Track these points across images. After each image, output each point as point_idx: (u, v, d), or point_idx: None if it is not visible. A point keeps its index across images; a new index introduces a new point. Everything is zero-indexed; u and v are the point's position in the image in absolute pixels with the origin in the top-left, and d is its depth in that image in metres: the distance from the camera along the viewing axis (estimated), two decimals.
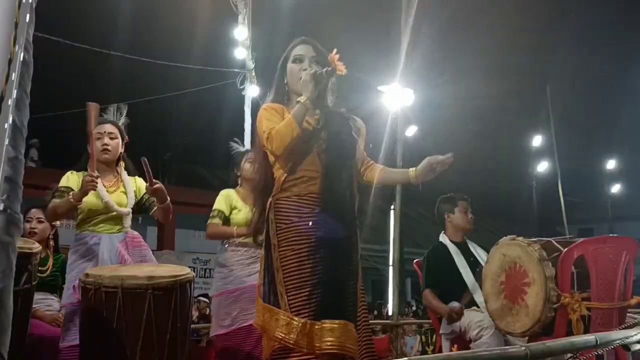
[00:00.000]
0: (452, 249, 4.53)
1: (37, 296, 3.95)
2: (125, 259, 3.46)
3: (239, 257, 4.12)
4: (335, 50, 2.82)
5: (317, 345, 2.51)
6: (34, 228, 4.19)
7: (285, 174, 2.74)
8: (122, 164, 3.71)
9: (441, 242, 4.63)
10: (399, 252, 7.47)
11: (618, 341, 2.56)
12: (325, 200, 2.69)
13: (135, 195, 3.70)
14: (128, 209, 3.62)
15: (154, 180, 3.40)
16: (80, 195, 3.35)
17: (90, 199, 3.46)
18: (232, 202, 4.20)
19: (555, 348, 2.16)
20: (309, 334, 2.52)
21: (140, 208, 3.72)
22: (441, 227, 4.72)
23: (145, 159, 3.36)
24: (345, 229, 2.72)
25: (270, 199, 2.77)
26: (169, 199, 3.58)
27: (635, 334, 2.68)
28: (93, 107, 3.39)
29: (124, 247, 3.51)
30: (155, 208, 3.69)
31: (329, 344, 2.48)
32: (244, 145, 4.69)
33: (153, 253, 3.84)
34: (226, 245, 4.20)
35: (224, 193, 4.26)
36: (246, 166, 4.26)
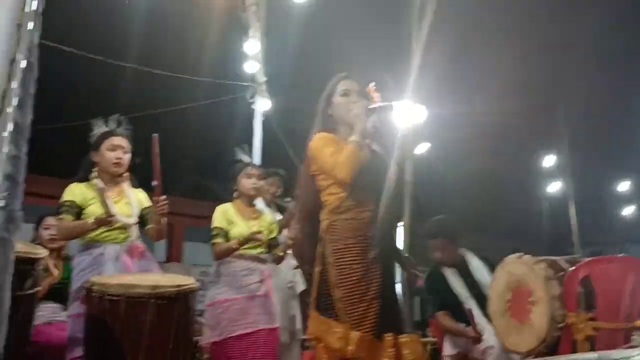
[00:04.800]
0: (447, 271, 4.46)
1: (44, 305, 4.00)
2: (129, 269, 3.48)
3: (233, 269, 4.13)
4: (372, 83, 3.11)
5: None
6: (53, 235, 4.22)
7: (341, 200, 2.98)
8: (126, 175, 3.74)
9: (437, 264, 4.57)
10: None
11: None
12: (376, 225, 2.95)
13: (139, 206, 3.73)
14: (134, 219, 3.65)
15: (161, 199, 3.49)
16: (98, 225, 3.41)
17: (96, 210, 3.50)
18: (229, 217, 4.19)
19: None
20: (369, 347, 2.77)
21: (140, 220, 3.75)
22: None
23: (157, 136, 3.41)
24: (390, 251, 3.05)
25: (326, 222, 2.99)
26: (165, 221, 3.62)
27: (638, 354, 2.65)
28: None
29: (129, 258, 3.52)
30: (150, 226, 3.71)
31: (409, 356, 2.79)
32: (249, 154, 4.66)
33: (161, 265, 3.89)
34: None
35: (221, 209, 4.25)
36: (243, 181, 4.28)
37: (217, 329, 4.04)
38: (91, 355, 3.01)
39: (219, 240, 4.13)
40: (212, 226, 4.21)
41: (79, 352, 3.26)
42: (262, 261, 4.25)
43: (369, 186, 2.99)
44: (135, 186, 3.80)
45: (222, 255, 4.17)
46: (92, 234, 3.52)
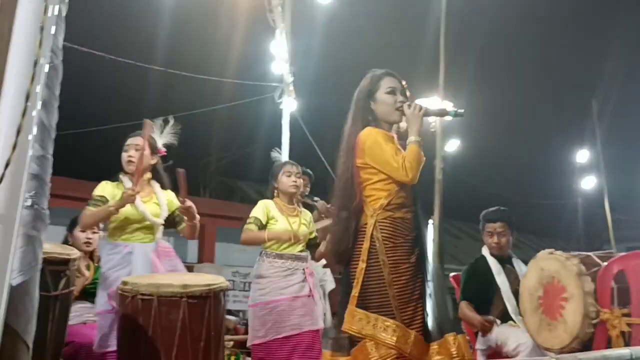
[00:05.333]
0: (493, 263, 4.45)
1: (78, 305, 4.07)
2: (157, 268, 3.55)
3: (275, 269, 4.14)
4: (404, 82, 3.19)
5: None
6: (89, 238, 4.28)
7: (390, 198, 3.01)
8: (149, 174, 3.80)
9: (483, 255, 4.57)
10: (438, 268, 7.41)
11: None
12: (417, 226, 3.06)
13: (168, 208, 3.79)
14: (161, 220, 3.72)
15: (186, 200, 3.54)
16: (120, 205, 3.47)
17: (126, 208, 3.56)
18: (270, 212, 4.21)
19: None
20: (420, 346, 2.86)
21: (170, 222, 3.81)
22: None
23: (183, 171, 3.46)
24: (425, 251, 3.11)
25: (373, 218, 3.00)
26: (198, 217, 3.68)
27: None
28: (147, 124, 3.60)
29: (156, 257, 3.60)
30: (183, 225, 3.78)
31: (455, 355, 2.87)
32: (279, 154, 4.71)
33: (193, 266, 3.95)
34: (264, 257, 4.23)
35: (263, 202, 4.28)
36: (283, 179, 4.30)
37: (261, 330, 4.04)
38: (124, 354, 3.06)
39: (251, 227, 4.13)
40: (250, 215, 4.24)
41: (109, 347, 3.35)
42: (303, 259, 4.26)
43: (410, 188, 3.04)
44: (165, 188, 3.87)
45: (248, 242, 4.19)
46: (121, 234, 3.61)
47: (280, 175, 4.33)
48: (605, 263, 3.51)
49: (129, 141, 3.72)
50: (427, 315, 2.98)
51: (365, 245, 2.98)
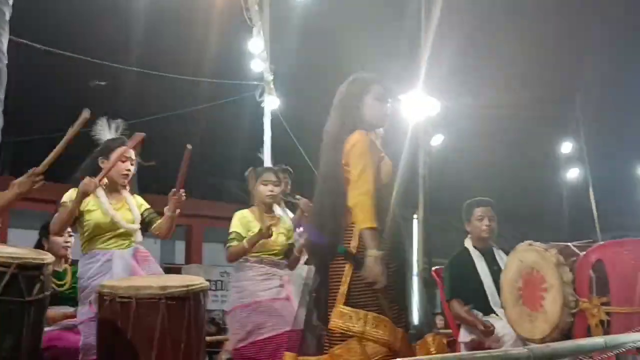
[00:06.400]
0: (476, 255, 4.46)
1: (59, 310, 4.04)
2: (138, 272, 3.52)
3: (253, 273, 4.16)
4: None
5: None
6: (67, 242, 4.25)
7: None
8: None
9: (465, 247, 4.58)
10: (423, 262, 7.46)
11: (629, 344, 2.49)
12: (396, 225, 3.13)
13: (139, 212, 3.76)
14: (137, 225, 3.68)
15: (180, 192, 3.55)
16: (78, 200, 3.41)
17: (97, 216, 3.53)
18: (248, 224, 4.22)
19: (560, 350, 2.12)
20: (405, 343, 2.93)
21: (142, 225, 3.77)
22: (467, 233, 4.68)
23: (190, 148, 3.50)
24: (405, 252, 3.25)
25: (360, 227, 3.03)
26: (178, 211, 3.64)
27: None
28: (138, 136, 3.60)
29: (136, 262, 3.56)
30: (157, 224, 3.74)
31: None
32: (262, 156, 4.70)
33: (181, 267, 3.94)
34: (243, 262, 4.23)
35: (239, 215, 4.29)
36: (259, 188, 4.30)
37: (242, 332, 4.06)
38: (104, 358, 3.04)
39: (233, 243, 4.17)
40: (229, 230, 4.24)
41: (93, 355, 3.30)
42: (281, 267, 4.27)
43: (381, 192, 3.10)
44: (133, 192, 3.83)
45: (235, 257, 4.21)
46: (97, 243, 3.56)
47: (257, 184, 4.32)
48: (584, 253, 3.53)
49: (128, 153, 3.64)
50: (410, 314, 3.06)
51: (353, 243, 3.00)
